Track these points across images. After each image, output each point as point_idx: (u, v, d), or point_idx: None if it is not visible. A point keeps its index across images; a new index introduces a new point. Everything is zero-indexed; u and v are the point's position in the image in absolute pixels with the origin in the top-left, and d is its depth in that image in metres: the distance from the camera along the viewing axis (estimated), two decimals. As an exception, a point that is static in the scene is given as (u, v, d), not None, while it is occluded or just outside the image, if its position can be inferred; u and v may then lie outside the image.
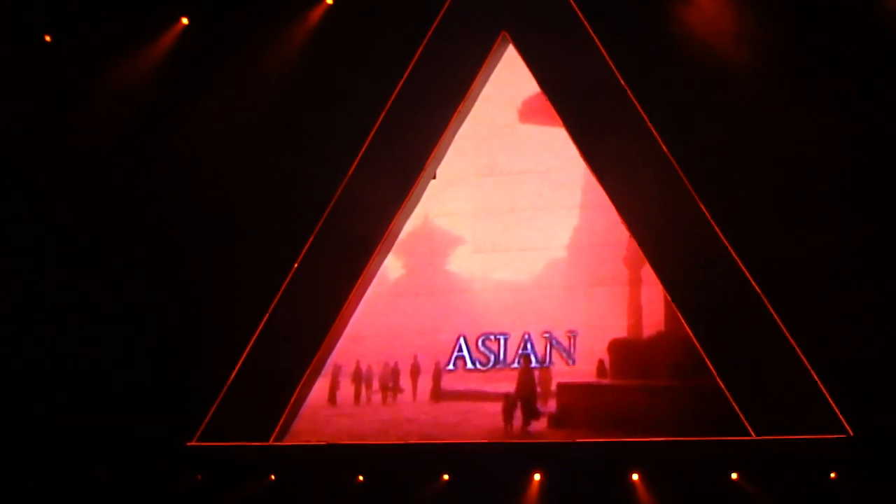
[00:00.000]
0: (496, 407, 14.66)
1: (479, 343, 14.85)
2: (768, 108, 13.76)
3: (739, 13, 14.08)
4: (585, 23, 14.64)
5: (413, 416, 14.97)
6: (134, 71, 15.84)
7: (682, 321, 13.88)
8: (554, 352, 14.53)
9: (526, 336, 14.64)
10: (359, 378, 15.19)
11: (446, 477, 14.45)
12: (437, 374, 14.97)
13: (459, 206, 15.26)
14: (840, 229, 13.24)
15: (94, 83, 15.89)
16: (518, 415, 14.51)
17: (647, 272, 14.24)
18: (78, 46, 15.91)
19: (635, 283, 14.37)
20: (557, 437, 14.29)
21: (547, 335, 14.56)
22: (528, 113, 15.23)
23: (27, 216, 15.69)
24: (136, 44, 15.83)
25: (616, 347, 14.37)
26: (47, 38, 15.98)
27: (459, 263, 15.20)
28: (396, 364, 15.12)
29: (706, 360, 13.73)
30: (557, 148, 14.95)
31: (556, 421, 14.39)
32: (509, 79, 15.21)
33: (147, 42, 15.83)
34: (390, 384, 15.08)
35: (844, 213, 13.26)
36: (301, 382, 14.99)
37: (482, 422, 14.67)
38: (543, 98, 14.91)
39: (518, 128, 15.23)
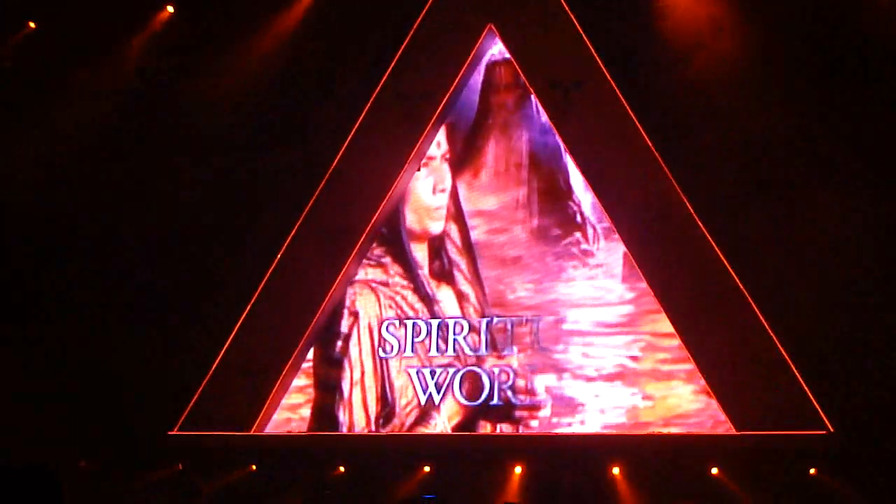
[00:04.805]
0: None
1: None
2: (753, 105, 13.83)
3: (728, 6, 14.11)
4: (571, 15, 14.62)
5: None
6: (118, 58, 15.72)
7: (669, 319, 13.90)
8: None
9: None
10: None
11: (427, 468, 14.46)
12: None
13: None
14: (823, 229, 13.27)
15: (76, 70, 15.75)
16: None
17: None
18: (61, 33, 15.78)
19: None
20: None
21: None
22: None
23: (13, 208, 15.62)
24: (121, 31, 15.71)
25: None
26: (31, 25, 15.84)
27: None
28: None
29: (691, 357, 13.76)
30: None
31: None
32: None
33: (132, 30, 15.71)
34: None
35: (828, 211, 13.28)
36: (283, 373, 14.96)
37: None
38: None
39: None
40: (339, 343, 15.21)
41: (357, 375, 15.09)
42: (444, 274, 15.05)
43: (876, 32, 13.40)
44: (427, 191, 15.22)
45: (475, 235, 14.98)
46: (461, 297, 14.90)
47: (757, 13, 13.87)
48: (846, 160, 13.38)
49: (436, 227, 15.19)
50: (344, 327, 15.21)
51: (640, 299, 14.22)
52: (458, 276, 14.96)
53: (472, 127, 15.25)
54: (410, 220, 15.26)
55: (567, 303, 14.48)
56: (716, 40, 14.01)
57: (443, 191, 15.23)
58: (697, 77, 14.01)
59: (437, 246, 15.15)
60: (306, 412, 15.15)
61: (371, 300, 15.23)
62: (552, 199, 14.82)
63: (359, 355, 15.15)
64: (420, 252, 15.21)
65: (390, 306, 15.14)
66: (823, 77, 13.46)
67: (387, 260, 15.25)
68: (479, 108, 15.25)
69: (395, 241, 15.25)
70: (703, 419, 13.81)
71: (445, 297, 14.95)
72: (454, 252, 15.04)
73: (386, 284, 15.23)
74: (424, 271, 15.14)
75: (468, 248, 14.99)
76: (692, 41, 14.14)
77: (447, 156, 15.26)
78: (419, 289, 15.11)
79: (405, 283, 15.18)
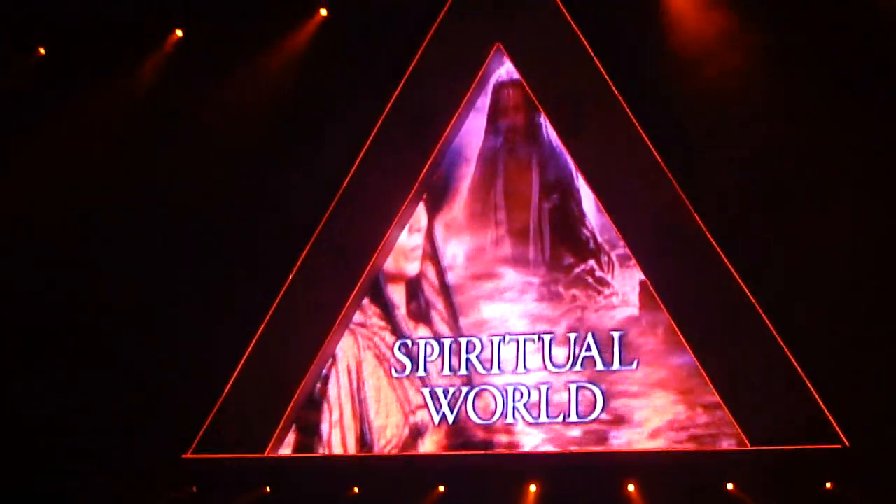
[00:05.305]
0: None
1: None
2: (769, 122, 13.87)
3: (736, 20, 14.14)
4: (579, 33, 14.67)
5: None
6: (128, 83, 15.82)
7: (679, 333, 13.89)
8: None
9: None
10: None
11: (442, 488, 14.43)
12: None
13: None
14: (836, 238, 13.28)
15: (87, 96, 15.84)
16: None
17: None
18: (71, 58, 15.90)
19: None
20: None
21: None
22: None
23: (23, 228, 15.66)
24: (130, 56, 15.82)
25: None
26: (41, 51, 15.94)
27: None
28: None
29: (702, 371, 13.74)
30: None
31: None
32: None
33: (142, 54, 15.81)
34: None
35: (843, 226, 13.28)
36: (297, 394, 14.95)
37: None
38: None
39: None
40: (318, 385, 15.19)
41: (336, 416, 15.09)
42: (421, 314, 15.05)
43: (889, 45, 13.43)
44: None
45: (473, 269, 14.91)
46: (439, 337, 14.87)
47: (767, 25, 13.89)
48: (863, 174, 13.38)
49: (412, 268, 15.18)
50: (322, 369, 15.19)
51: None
52: (435, 317, 14.96)
53: (462, 158, 15.23)
54: (386, 260, 15.23)
55: (580, 326, 14.46)
56: (726, 54, 14.04)
57: (418, 230, 15.24)
58: (709, 93, 14.03)
59: (413, 287, 15.15)
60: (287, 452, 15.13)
61: (349, 342, 15.23)
62: (564, 225, 14.77)
63: (337, 396, 15.14)
64: (397, 293, 15.21)
65: (368, 347, 15.15)
66: (837, 88, 13.47)
67: (364, 301, 15.24)
68: (487, 131, 15.26)
69: (371, 281, 15.24)
70: (717, 435, 13.76)
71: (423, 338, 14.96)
72: (430, 292, 15.04)
73: (364, 326, 15.23)
74: (402, 312, 15.14)
75: (444, 288, 14.98)
76: (702, 56, 14.17)
77: (423, 195, 15.25)
78: (396, 330, 15.10)
79: (382, 324, 15.17)
